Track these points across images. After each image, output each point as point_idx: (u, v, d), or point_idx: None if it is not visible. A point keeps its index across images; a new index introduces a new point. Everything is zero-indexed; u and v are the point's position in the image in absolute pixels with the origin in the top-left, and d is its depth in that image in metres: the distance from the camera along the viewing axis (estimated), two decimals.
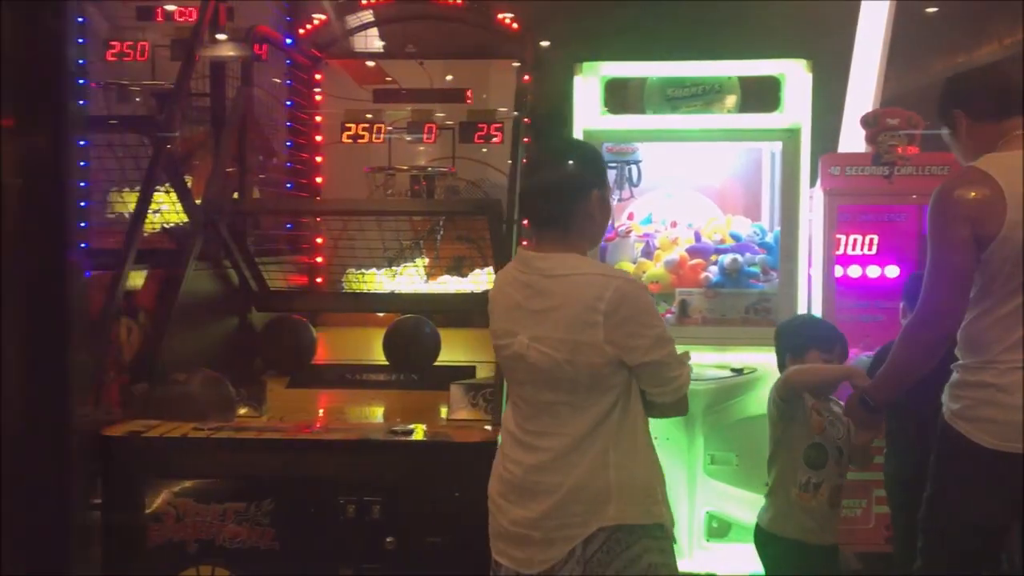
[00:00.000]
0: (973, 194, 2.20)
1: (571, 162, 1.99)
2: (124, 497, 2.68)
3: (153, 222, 3.75)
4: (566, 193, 1.95)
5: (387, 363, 3.62)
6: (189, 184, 3.80)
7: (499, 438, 2.20)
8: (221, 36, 3.82)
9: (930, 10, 6.83)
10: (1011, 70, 2.37)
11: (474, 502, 2.68)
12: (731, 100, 3.58)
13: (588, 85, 3.56)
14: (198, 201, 3.40)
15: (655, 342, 1.89)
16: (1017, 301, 2.18)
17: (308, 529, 2.66)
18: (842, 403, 2.88)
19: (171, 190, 3.45)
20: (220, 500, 2.66)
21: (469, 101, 4.22)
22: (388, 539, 2.64)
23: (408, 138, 4.02)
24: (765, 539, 2.79)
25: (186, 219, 3.41)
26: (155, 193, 3.73)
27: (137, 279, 3.16)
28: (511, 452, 2.02)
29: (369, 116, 4.01)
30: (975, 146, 2.32)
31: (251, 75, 3.68)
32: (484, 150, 4.39)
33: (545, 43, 7.26)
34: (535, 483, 1.94)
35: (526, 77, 4.25)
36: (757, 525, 2.84)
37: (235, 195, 3.70)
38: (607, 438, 1.91)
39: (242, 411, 3.14)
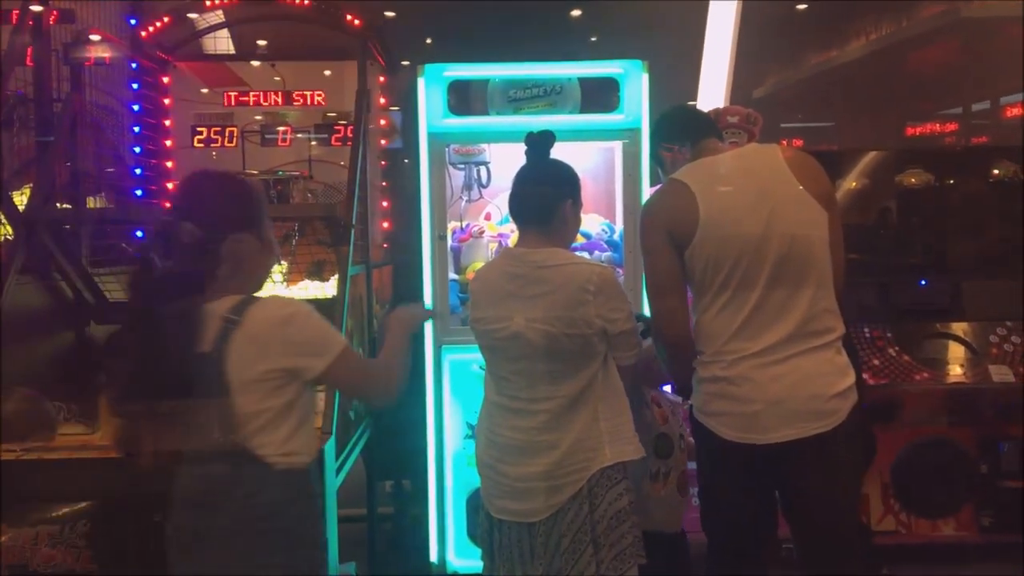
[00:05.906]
0: (668, 202, 2.37)
1: (552, 177, 2.41)
2: None
3: None
4: (549, 201, 2.37)
5: None
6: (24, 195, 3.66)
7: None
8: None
9: (800, 7, 7.05)
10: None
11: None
12: (573, 100, 3.59)
13: (431, 87, 3.53)
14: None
15: (628, 315, 2.32)
16: (727, 294, 2.28)
17: (126, 549, 2.59)
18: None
19: None
20: (32, 523, 2.56)
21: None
22: None
23: (258, 141, 3.93)
24: None
25: None
26: None
27: None
28: (506, 420, 2.34)
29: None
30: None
31: (82, 79, 3.54)
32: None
33: (428, 40, 7.21)
34: (537, 442, 2.28)
35: (381, 78, 4.22)
36: None
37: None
38: (595, 396, 2.30)
39: (73, 429, 3.02)
